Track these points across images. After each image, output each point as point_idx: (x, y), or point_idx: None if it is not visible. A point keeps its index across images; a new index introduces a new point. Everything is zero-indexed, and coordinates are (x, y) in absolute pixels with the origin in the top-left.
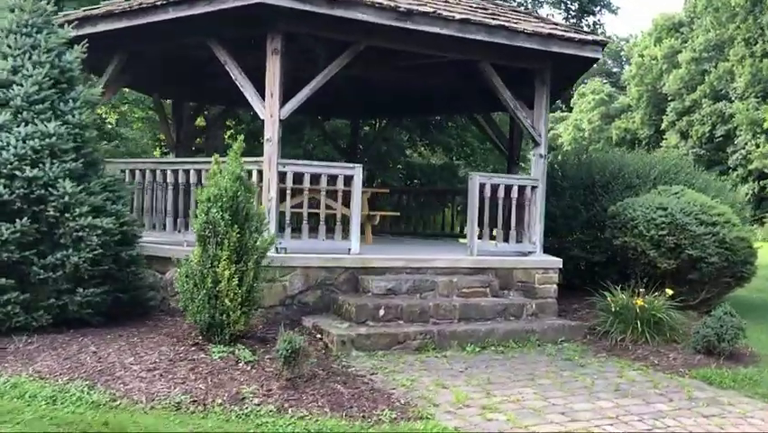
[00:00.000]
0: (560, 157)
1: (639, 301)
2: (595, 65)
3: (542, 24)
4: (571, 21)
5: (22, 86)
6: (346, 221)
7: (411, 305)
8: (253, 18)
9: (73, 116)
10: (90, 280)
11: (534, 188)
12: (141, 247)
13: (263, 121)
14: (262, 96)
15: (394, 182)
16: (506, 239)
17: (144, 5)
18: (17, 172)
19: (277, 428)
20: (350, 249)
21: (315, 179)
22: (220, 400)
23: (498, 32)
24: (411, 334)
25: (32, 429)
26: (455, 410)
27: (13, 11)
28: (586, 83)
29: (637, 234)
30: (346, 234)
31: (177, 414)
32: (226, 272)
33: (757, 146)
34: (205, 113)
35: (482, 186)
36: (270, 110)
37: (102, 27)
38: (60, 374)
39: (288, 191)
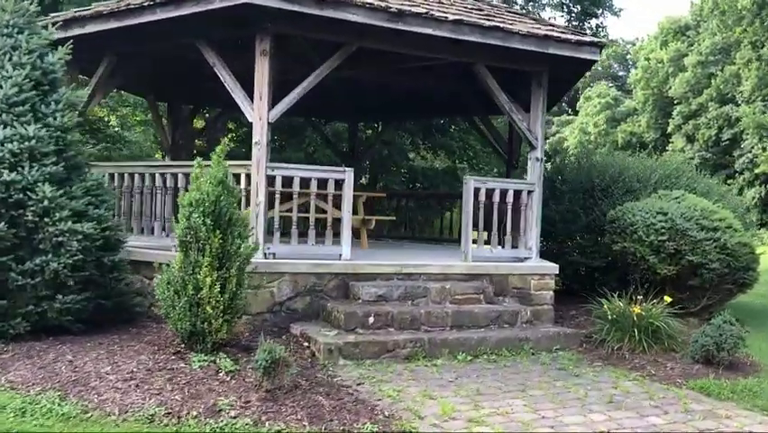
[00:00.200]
0: (565, 160)
1: (636, 309)
2: (600, 68)
3: (538, 26)
4: (574, 24)
5: (1, 87)
6: (337, 225)
7: (402, 312)
8: (241, 19)
9: (55, 119)
10: (71, 287)
11: (530, 192)
12: (129, 252)
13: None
14: (252, 98)
15: (396, 186)
16: (501, 244)
17: (132, 6)
18: None
19: None
20: (341, 254)
21: (306, 182)
22: (195, 413)
23: (493, 33)
24: (401, 342)
25: None
26: (441, 423)
27: None
28: (592, 86)
29: (636, 239)
30: (337, 238)
31: (149, 427)
32: (208, 279)
33: (764, 150)
34: (207, 115)
35: (477, 190)
36: (259, 112)
37: (90, 28)
38: (33, 384)
39: (278, 195)
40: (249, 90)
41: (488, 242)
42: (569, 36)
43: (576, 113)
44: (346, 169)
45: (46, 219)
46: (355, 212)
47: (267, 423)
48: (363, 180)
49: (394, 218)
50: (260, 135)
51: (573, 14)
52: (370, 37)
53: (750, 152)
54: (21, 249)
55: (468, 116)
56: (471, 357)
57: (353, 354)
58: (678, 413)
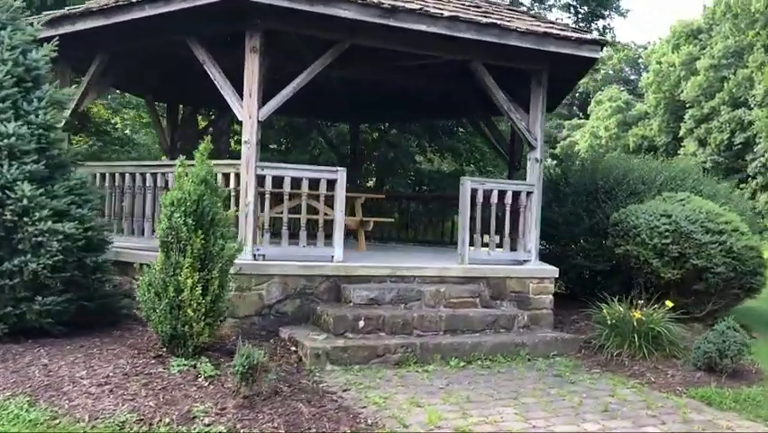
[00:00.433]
0: (569, 162)
1: (636, 314)
2: (612, 72)
3: (537, 23)
4: (581, 25)
5: None
6: (329, 227)
7: (394, 316)
8: (231, 14)
9: (37, 116)
10: (51, 288)
11: (529, 193)
12: (118, 253)
13: (242, 122)
14: (242, 96)
15: (401, 188)
16: (499, 247)
17: (121, 3)
18: None
19: None
20: (333, 256)
21: (297, 183)
22: (168, 420)
23: (489, 30)
24: (392, 347)
25: None
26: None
27: None
28: (603, 90)
29: (639, 242)
30: (329, 240)
31: None
32: (189, 281)
33: None
34: (212, 116)
35: (474, 191)
36: (249, 111)
37: (80, 26)
38: (4, 389)
39: (267, 195)
40: (240, 88)
41: (486, 244)
42: (569, 33)
43: (587, 116)
44: (338, 169)
45: (25, 219)
46: (354, 214)
47: (241, 431)
48: (371, 183)
49: (393, 220)
50: (249, 134)
51: (580, 15)
52: (362, 34)
53: (763, 156)
54: None
55: (469, 117)
56: (465, 363)
57: (341, 360)
58: (676, 424)
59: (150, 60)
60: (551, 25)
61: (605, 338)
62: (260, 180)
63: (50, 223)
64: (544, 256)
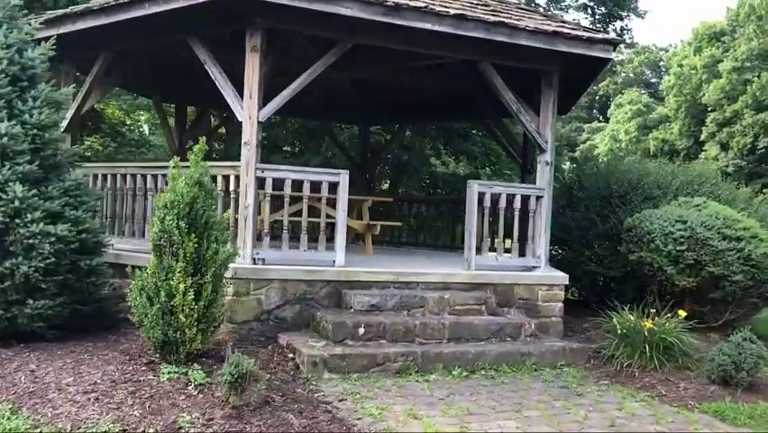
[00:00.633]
0: (583, 166)
1: (648, 323)
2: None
3: (548, 22)
4: (597, 26)
5: None
6: (332, 230)
7: (395, 323)
8: (230, 12)
9: (31, 116)
10: (44, 291)
11: (539, 197)
12: (118, 256)
13: (242, 123)
14: (242, 97)
15: (415, 192)
16: (508, 252)
17: (122, 1)
18: None
19: None
20: (335, 260)
21: (298, 185)
22: (152, 430)
23: (498, 29)
24: (392, 355)
25: None
26: None
27: None
28: (623, 93)
29: (653, 248)
30: (331, 244)
31: None
32: (181, 285)
33: None
34: (225, 116)
35: (482, 195)
36: (249, 111)
37: (81, 25)
38: None
39: (268, 198)
40: (241, 89)
41: (493, 249)
42: (580, 33)
43: (607, 120)
44: (341, 171)
45: (17, 220)
46: (361, 217)
47: None
48: (385, 186)
49: (400, 224)
50: (249, 135)
51: (597, 17)
52: (365, 33)
53: None
54: None
55: (481, 119)
56: (468, 373)
57: (340, 368)
58: None
59: (157, 61)
60: (562, 24)
61: (614, 348)
62: (261, 183)
63: (41, 225)
64: (556, 262)
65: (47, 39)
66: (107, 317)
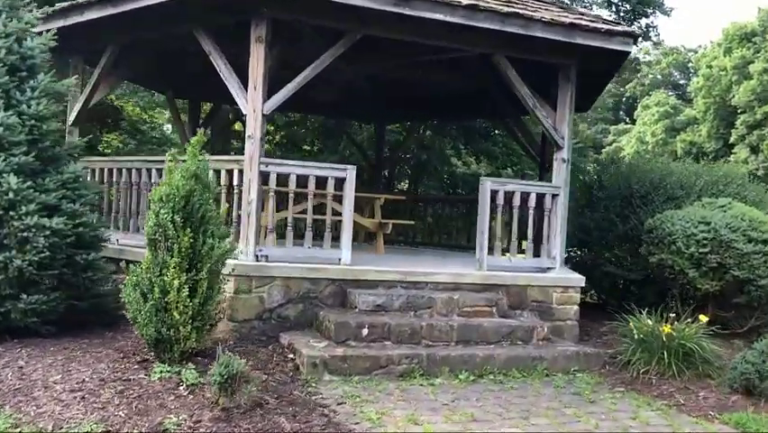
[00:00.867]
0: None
1: (666, 328)
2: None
3: (565, 14)
4: (622, 23)
5: None
6: (337, 228)
7: (401, 324)
8: (236, 2)
9: (29, 107)
10: (38, 286)
11: (554, 195)
12: (121, 251)
13: (246, 116)
14: (247, 89)
15: (434, 191)
16: (521, 252)
17: None
18: None
19: None
20: (340, 258)
21: (304, 181)
22: (137, 432)
23: (512, 20)
24: (396, 357)
25: None
26: None
27: None
28: (650, 95)
29: (675, 250)
30: (337, 242)
31: None
32: (175, 282)
33: None
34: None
35: (494, 193)
36: (253, 104)
37: (88, 15)
38: None
39: (272, 193)
40: (246, 82)
41: (506, 249)
42: (598, 25)
43: (633, 121)
44: (348, 167)
45: (11, 213)
46: (373, 215)
47: None
48: (404, 185)
49: (413, 222)
50: (253, 128)
51: (621, 14)
52: (374, 23)
53: None
54: None
55: (498, 117)
56: (475, 377)
57: (341, 369)
58: None
59: (164, 55)
60: (579, 16)
61: (631, 354)
62: (265, 178)
63: (36, 217)
64: (574, 263)
65: (63, 31)
66: (106, 313)
